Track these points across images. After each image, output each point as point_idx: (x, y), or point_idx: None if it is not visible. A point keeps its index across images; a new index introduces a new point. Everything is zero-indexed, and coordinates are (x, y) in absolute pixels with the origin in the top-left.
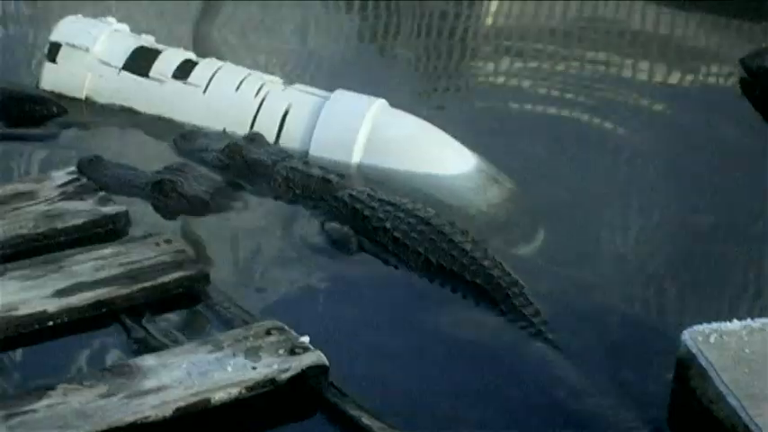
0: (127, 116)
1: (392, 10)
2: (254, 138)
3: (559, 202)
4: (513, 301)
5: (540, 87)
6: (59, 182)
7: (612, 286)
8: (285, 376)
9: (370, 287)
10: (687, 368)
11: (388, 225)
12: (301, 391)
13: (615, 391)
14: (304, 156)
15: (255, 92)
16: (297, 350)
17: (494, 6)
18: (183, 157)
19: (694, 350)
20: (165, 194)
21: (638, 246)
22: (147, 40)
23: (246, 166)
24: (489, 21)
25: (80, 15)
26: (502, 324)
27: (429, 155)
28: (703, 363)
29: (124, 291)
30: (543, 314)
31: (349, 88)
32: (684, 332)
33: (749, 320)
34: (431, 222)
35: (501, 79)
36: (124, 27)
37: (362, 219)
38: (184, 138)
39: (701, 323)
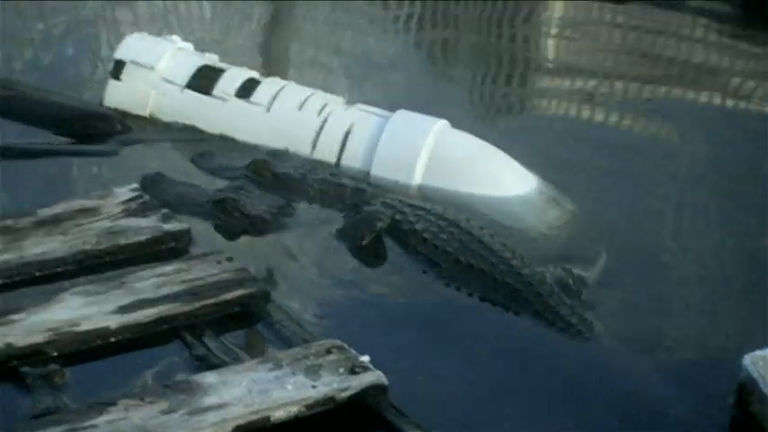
0: (190, 134)
1: (452, 30)
2: (276, 152)
3: (620, 225)
4: (546, 300)
5: (600, 109)
6: (122, 198)
7: (673, 309)
8: (345, 395)
9: (422, 301)
10: (748, 393)
11: (418, 227)
12: (361, 411)
13: (674, 416)
14: (365, 174)
15: (318, 111)
16: (357, 369)
17: (553, 28)
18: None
19: (755, 375)
20: (226, 213)
21: (698, 269)
22: (211, 59)
23: (276, 180)
24: (550, 42)
25: (145, 33)
26: (545, 329)
27: (490, 176)
28: (764, 388)
29: (186, 308)
30: (581, 316)
31: (410, 108)
32: (746, 357)
33: None
34: (460, 225)
35: (561, 100)
36: (188, 45)
37: (394, 222)
38: (202, 157)
39: (762, 348)
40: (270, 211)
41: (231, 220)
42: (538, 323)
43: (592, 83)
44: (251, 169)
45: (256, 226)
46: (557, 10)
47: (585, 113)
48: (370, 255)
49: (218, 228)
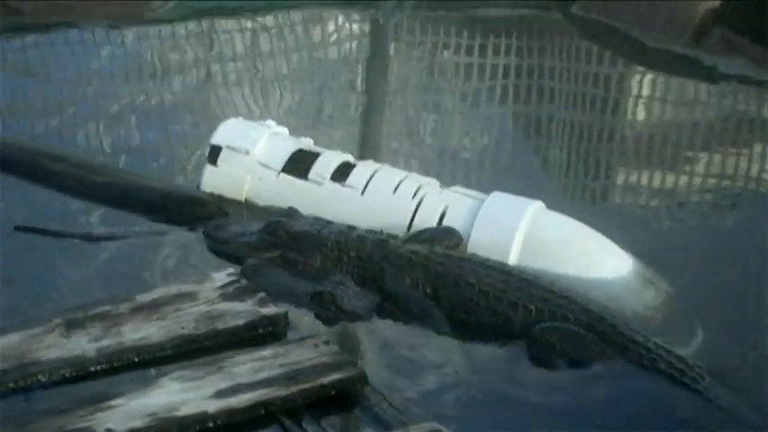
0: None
1: (545, 108)
2: (290, 213)
3: (716, 305)
4: (623, 332)
5: (693, 187)
6: (220, 283)
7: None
8: None
9: (511, 372)
10: None
11: (471, 280)
12: None
13: None
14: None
15: (413, 194)
16: None
17: (646, 104)
18: (221, 245)
19: None
20: (324, 306)
21: None
22: (306, 143)
23: (292, 238)
24: (640, 120)
25: (241, 118)
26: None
27: (586, 257)
28: None
29: (283, 392)
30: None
31: (505, 189)
32: None
33: None
34: (510, 271)
35: (656, 179)
36: (283, 130)
37: (436, 275)
38: (218, 228)
39: None
40: (366, 308)
41: (328, 313)
42: (629, 365)
43: (687, 161)
44: (267, 231)
45: (351, 321)
46: (649, 87)
47: (681, 193)
48: (461, 337)
49: (316, 315)
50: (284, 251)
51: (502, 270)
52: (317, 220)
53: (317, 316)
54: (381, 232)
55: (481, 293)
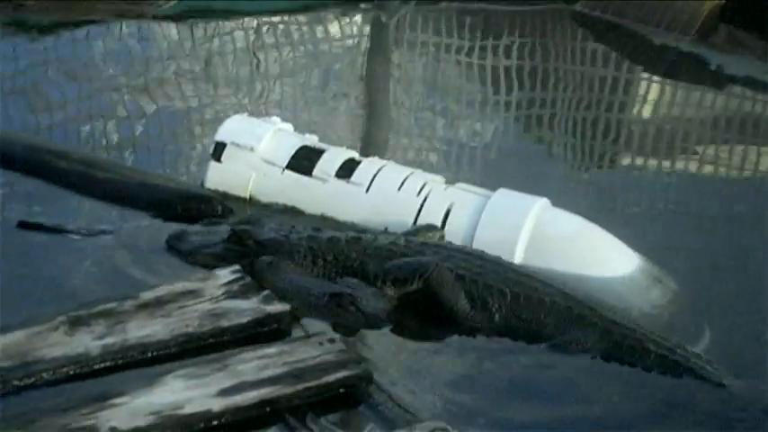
0: (290, 215)
1: (549, 110)
2: (253, 220)
3: (723, 302)
4: (603, 314)
5: (702, 187)
6: (224, 280)
7: None
8: None
9: (511, 366)
10: None
11: (449, 265)
12: None
13: None
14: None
15: (418, 191)
16: None
17: (650, 102)
18: (186, 257)
19: None
20: (343, 307)
21: None
22: (311, 140)
23: (261, 247)
24: (646, 118)
25: (245, 115)
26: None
27: (592, 255)
28: None
29: (288, 390)
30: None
31: (509, 186)
32: None
33: None
34: (486, 257)
35: (661, 176)
36: (288, 126)
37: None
38: (179, 238)
39: None
40: (385, 309)
41: (347, 315)
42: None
43: (693, 161)
44: (233, 240)
45: (370, 324)
46: (656, 88)
47: (686, 192)
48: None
49: (336, 326)
50: (255, 260)
51: (478, 255)
52: (281, 225)
53: (337, 318)
54: (361, 232)
55: (458, 277)
